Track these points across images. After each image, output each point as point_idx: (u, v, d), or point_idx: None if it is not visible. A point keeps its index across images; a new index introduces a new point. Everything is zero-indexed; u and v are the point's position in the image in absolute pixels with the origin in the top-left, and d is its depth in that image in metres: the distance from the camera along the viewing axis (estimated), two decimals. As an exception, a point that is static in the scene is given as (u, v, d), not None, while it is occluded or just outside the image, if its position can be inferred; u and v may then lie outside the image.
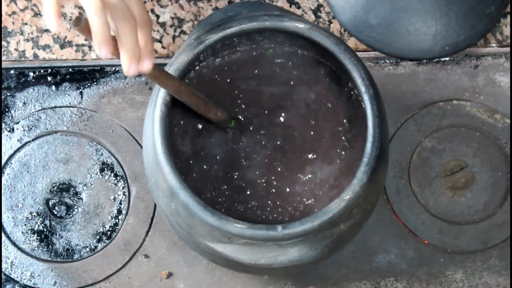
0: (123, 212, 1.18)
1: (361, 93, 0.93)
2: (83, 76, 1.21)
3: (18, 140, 1.19)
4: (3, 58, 1.20)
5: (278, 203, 0.96)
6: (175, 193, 0.90)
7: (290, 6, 1.22)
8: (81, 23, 0.78)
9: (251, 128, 0.98)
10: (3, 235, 1.17)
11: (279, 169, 0.97)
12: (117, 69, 1.21)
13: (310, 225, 0.89)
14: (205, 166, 0.96)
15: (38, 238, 1.17)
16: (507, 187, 1.20)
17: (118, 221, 1.18)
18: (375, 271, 1.18)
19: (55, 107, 1.20)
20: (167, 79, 0.90)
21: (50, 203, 1.18)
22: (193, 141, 0.97)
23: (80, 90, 1.21)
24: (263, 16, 0.95)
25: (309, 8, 1.22)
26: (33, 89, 1.21)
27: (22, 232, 1.17)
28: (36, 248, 1.17)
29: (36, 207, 1.18)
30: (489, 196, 1.20)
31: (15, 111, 1.20)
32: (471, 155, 1.20)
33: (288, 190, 0.96)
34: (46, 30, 1.21)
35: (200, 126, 0.97)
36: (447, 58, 1.23)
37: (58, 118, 1.20)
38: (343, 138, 0.97)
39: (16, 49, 1.21)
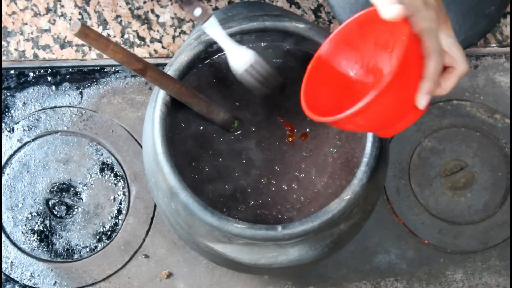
0: (123, 212, 1.18)
1: (361, 93, 0.93)
2: (83, 76, 1.21)
3: (18, 140, 1.19)
4: (3, 58, 1.20)
5: (278, 202, 0.96)
6: (175, 193, 0.90)
7: (290, 6, 1.22)
8: (78, 28, 0.78)
9: (253, 129, 0.98)
10: (3, 235, 1.17)
11: (278, 169, 0.97)
12: (117, 69, 1.21)
13: (310, 225, 0.89)
14: (205, 166, 0.96)
15: (38, 238, 1.17)
16: (507, 187, 1.20)
17: (118, 221, 1.18)
18: (375, 271, 1.18)
19: (55, 107, 1.20)
20: (167, 81, 0.90)
21: (50, 203, 1.18)
22: (194, 142, 0.97)
23: (80, 90, 1.21)
24: (263, 16, 0.95)
25: (309, 8, 1.22)
26: (33, 89, 1.21)
27: (22, 232, 1.17)
28: (36, 248, 1.17)
29: (36, 207, 1.18)
30: (489, 196, 1.20)
31: (15, 111, 1.20)
32: (471, 155, 1.20)
33: (287, 188, 0.96)
34: (46, 30, 1.21)
35: (200, 127, 0.97)
36: (447, 58, 1.22)
37: (58, 118, 1.20)
38: (341, 137, 0.97)
39: (16, 49, 1.21)
